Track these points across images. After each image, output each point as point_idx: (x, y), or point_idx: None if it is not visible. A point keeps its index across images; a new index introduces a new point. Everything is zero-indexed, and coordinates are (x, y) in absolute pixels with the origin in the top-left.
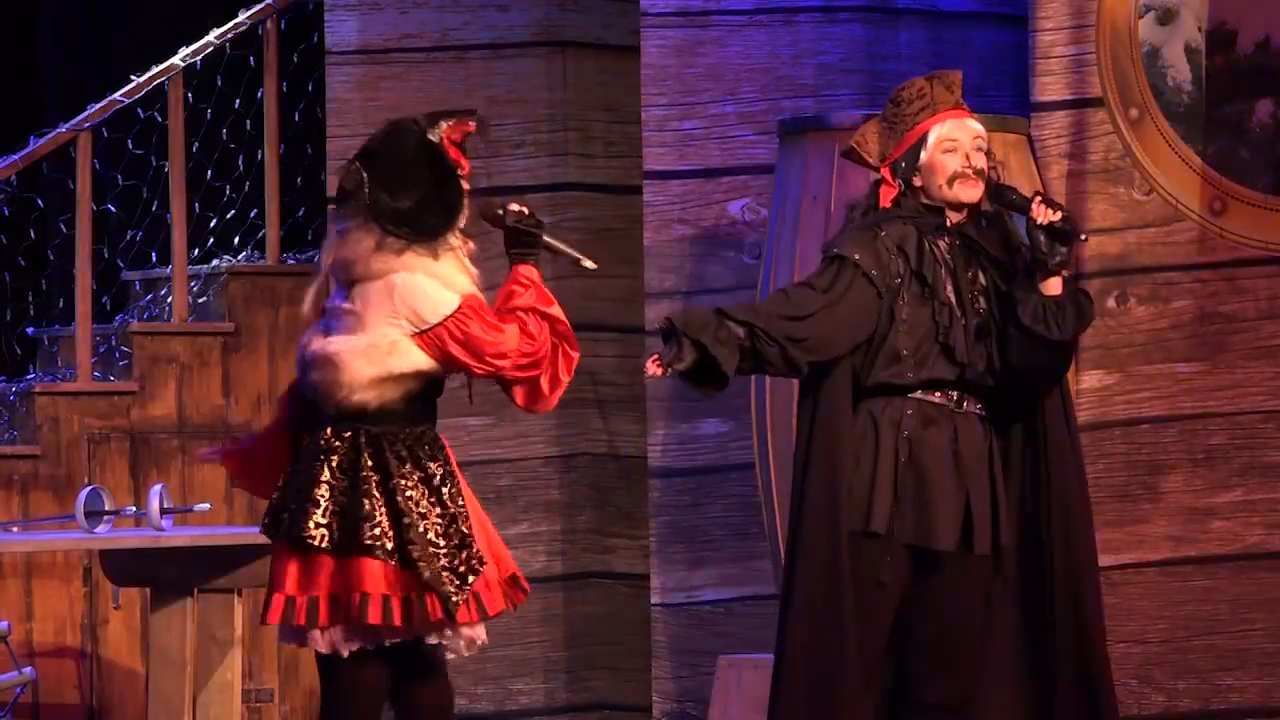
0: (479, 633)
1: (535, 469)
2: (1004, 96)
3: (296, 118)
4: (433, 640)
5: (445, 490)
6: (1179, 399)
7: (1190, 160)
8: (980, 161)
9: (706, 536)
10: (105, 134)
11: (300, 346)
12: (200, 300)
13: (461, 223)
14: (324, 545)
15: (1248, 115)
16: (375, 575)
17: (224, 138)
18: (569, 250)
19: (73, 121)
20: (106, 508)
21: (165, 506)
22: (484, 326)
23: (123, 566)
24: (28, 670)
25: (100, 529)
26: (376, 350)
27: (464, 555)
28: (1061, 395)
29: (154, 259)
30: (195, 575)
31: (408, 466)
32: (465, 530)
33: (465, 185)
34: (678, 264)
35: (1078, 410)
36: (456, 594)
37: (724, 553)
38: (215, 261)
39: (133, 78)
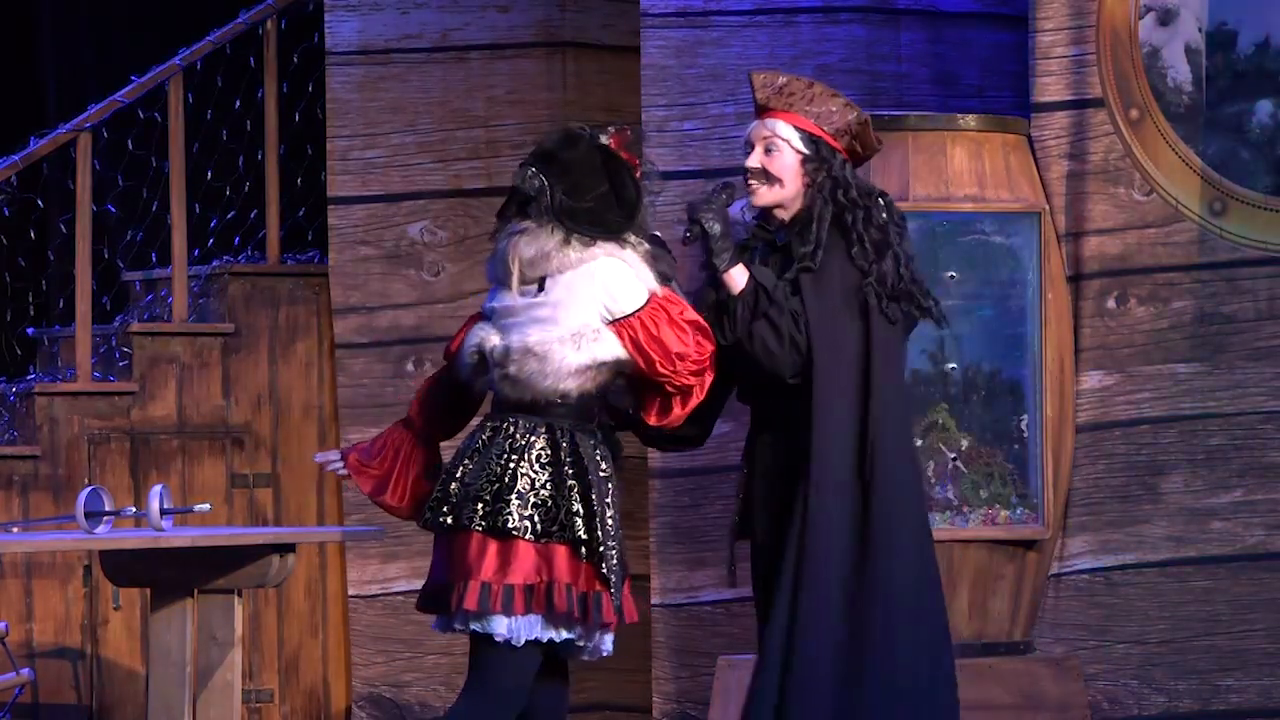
0: (610, 640)
1: None
2: (1004, 97)
3: (296, 118)
4: (589, 641)
5: (614, 487)
6: (1179, 400)
7: (1190, 161)
8: (755, 160)
9: (706, 537)
10: (105, 134)
11: (466, 349)
12: (200, 301)
13: (641, 219)
14: (527, 536)
15: (1248, 116)
16: (567, 566)
17: (224, 138)
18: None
19: (73, 122)
20: (106, 508)
21: (165, 507)
22: (672, 324)
23: (123, 567)
24: (26, 671)
25: (100, 529)
26: (582, 338)
27: (624, 558)
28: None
29: (154, 259)
30: (195, 575)
31: (603, 463)
32: (620, 531)
33: (640, 183)
34: (678, 264)
35: (1077, 411)
36: (616, 596)
37: (724, 553)
38: (215, 262)
39: (133, 78)
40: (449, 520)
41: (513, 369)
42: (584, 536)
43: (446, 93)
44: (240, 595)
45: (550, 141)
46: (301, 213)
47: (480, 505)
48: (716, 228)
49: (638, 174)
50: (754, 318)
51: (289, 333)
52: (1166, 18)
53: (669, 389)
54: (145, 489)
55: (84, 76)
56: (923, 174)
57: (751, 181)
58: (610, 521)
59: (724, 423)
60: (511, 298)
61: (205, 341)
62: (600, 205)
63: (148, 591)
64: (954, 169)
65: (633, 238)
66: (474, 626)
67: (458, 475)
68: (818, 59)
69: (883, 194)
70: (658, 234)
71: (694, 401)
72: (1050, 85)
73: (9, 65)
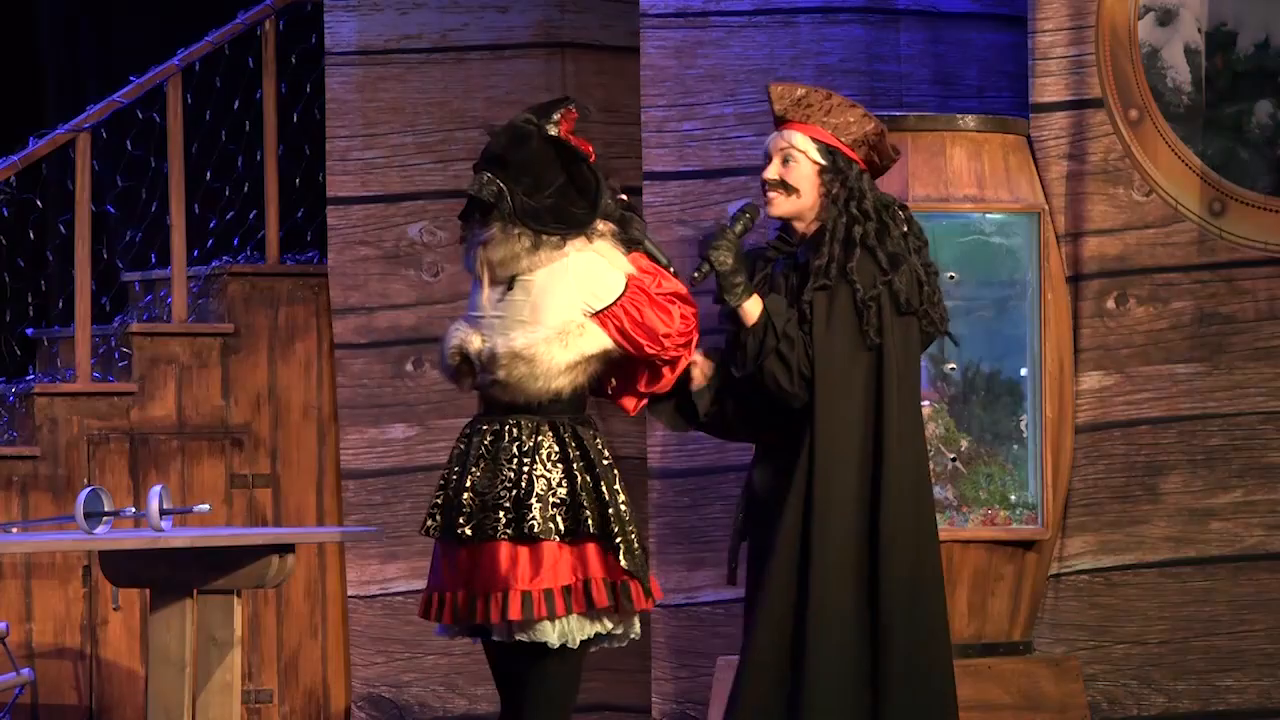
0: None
1: None
2: (1004, 97)
3: (295, 118)
4: (623, 629)
5: (619, 473)
6: (1178, 400)
7: (1190, 161)
8: (773, 172)
9: (706, 537)
10: (104, 135)
11: (446, 350)
12: (200, 301)
13: (604, 207)
14: (554, 537)
15: (1247, 116)
16: (598, 561)
17: (223, 138)
18: (660, 254)
19: (72, 122)
20: (106, 509)
21: (165, 507)
22: (654, 306)
23: (122, 567)
24: (26, 671)
25: (99, 530)
26: (568, 335)
27: (644, 541)
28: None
29: (153, 260)
30: (195, 576)
31: (607, 452)
32: (634, 515)
33: (596, 170)
34: (678, 265)
35: (1077, 411)
36: (644, 580)
37: (723, 554)
38: (214, 262)
39: (132, 78)
40: (468, 531)
41: (502, 374)
42: (610, 529)
43: (446, 93)
44: (239, 596)
45: (500, 143)
46: (301, 213)
47: (502, 514)
48: (728, 263)
49: (592, 159)
50: (763, 353)
51: (288, 333)
52: (1166, 18)
53: (658, 362)
54: (145, 489)
55: (83, 77)
56: (922, 174)
57: (770, 192)
58: (624, 509)
59: None
60: (486, 297)
61: (205, 342)
62: (561, 200)
63: (147, 592)
64: (953, 169)
65: (600, 225)
66: (520, 637)
67: (468, 484)
68: (817, 59)
69: (902, 206)
70: (624, 196)
71: (683, 365)
72: (1049, 85)
73: (9, 65)
